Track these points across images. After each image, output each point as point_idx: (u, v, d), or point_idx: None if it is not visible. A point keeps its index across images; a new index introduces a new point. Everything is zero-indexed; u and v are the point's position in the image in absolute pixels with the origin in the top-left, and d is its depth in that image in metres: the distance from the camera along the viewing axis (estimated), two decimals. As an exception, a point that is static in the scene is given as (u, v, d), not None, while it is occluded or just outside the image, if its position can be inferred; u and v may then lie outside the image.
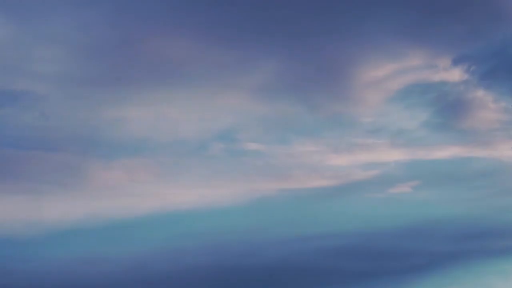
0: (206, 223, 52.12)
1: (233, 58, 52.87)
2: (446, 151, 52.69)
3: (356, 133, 52.87)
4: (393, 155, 52.90)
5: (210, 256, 50.86)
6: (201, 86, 52.78)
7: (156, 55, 53.02)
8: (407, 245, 51.02)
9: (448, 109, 52.50)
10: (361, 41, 51.98)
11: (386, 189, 52.81)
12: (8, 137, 52.64)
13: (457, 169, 52.86)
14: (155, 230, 52.04)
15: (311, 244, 50.96)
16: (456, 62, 52.60)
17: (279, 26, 52.19)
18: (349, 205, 52.62)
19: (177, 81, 53.19)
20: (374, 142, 52.95)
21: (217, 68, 52.61)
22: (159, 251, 50.77)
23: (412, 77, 52.74)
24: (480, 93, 52.55)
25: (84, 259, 50.58)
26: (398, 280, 49.53)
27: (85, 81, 52.85)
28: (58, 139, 52.77)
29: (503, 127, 51.81)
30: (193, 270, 50.10)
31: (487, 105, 52.28)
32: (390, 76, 52.50)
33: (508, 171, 51.91)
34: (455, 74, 52.64)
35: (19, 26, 52.34)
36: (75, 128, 53.02)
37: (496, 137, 51.96)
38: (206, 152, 53.53)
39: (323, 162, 53.03)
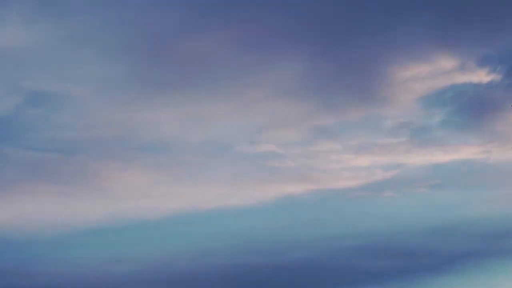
0: (232, 223, 53.15)
1: (259, 58, 53.31)
2: (468, 151, 53.28)
3: (380, 134, 53.67)
4: (415, 156, 53.73)
5: (236, 255, 51.73)
6: (228, 86, 53.47)
7: (183, 57, 53.64)
8: (428, 244, 51.63)
9: (471, 110, 52.85)
10: (387, 42, 52.26)
11: (407, 189, 53.87)
12: (38, 139, 54.05)
13: (477, 169, 53.42)
14: (181, 230, 52.98)
15: (335, 243, 51.71)
16: (482, 63, 52.74)
17: (305, 27, 52.47)
18: (371, 205, 53.60)
19: (204, 82, 53.91)
20: (397, 143, 53.59)
21: (244, 69, 53.09)
22: (185, 251, 51.61)
23: (438, 79, 53.02)
24: (505, 93, 52.90)
25: (109, 259, 51.44)
26: (419, 279, 50.17)
27: (113, 82, 53.85)
28: (85, 140, 53.87)
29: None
30: (219, 269, 51.06)
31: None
32: (416, 77, 52.91)
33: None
34: (481, 75, 52.81)
35: (51, 27, 53.18)
36: (103, 129, 53.99)
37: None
38: (232, 153, 54.34)
39: (346, 163, 53.76)
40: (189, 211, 53.28)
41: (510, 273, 49.15)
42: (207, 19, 52.77)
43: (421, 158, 53.23)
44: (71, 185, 53.18)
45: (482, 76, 52.73)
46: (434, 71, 52.60)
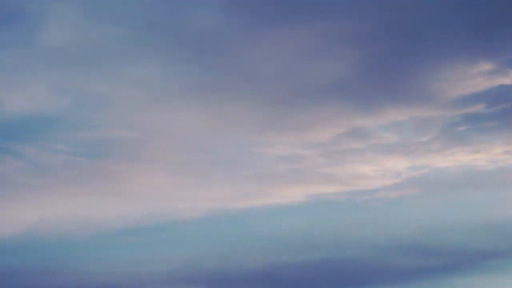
0: (262, 223, 53.41)
1: (298, 61, 53.68)
2: (497, 151, 53.05)
3: (411, 134, 53.66)
4: (446, 157, 53.47)
5: (269, 255, 52.09)
6: (259, 87, 53.79)
7: (217, 58, 53.98)
8: (457, 243, 51.62)
9: (505, 112, 52.55)
10: (424, 47, 52.31)
11: (437, 189, 53.76)
12: (77, 140, 54.45)
13: (507, 169, 53.13)
14: (211, 231, 53.25)
15: (367, 242, 52.05)
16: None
17: (344, 29, 52.74)
18: (401, 205, 53.57)
19: (232, 83, 54.13)
20: (427, 144, 53.46)
21: (283, 72, 53.40)
22: (216, 251, 51.95)
23: (473, 81, 52.84)
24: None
25: (141, 259, 51.76)
26: (446, 278, 50.34)
27: (151, 83, 54.23)
28: (110, 141, 54.42)
29: None
30: (252, 269, 51.43)
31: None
32: (450, 79, 52.91)
33: None
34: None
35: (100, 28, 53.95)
36: (140, 130, 54.44)
37: None
38: (261, 153, 54.32)
39: (376, 164, 53.80)
40: (219, 211, 53.81)
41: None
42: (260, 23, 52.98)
43: (451, 158, 53.25)
44: (104, 186, 53.95)
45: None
46: (469, 73, 52.71)
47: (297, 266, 51.67)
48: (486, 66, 52.52)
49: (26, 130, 53.80)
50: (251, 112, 53.84)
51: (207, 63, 53.47)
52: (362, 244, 51.90)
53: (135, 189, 53.94)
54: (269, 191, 53.75)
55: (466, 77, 52.39)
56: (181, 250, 52.38)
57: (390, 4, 52.15)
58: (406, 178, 53.59)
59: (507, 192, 52.05)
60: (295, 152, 53.79)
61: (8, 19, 53.12)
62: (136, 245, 52.88)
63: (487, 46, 52.03)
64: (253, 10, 52.60)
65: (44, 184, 53.36)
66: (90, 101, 54.23)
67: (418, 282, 50.31)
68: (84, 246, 52.47)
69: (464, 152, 53.10)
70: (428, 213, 53.11)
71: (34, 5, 53.35)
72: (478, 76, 52.43)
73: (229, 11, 52.72)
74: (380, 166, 53.52)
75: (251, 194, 53.78)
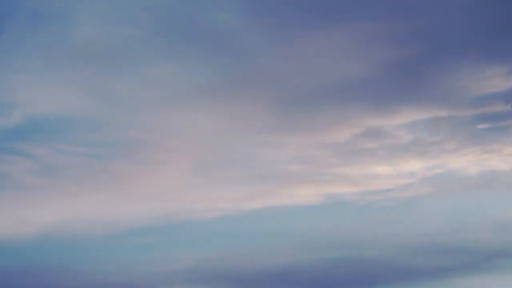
0: (278, 223, 53.47)
1: (314, 62, 53.65)
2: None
3: (426, 135, 53.71)
4: (463, 157, 53.56)
5: (281, 255, 52.35)
6: (278, 88, 53.86)
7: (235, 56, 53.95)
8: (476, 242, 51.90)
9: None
10: (441, 47, 52.39)
11: (453, 189, 53.98)
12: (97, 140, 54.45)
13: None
14: (227, 230, 53.36)
15: (385, 242, 52.22)
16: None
17: (362, 33, 52.91)
18: (418, 205, 53.85)
19: (249, 82, 54.16)
20: (445, 144, 53.53)
21: (298, 72, 53.40)
22: (232, 251, 52.14)
23: (491, 82, 52.86)
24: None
25: (151, 260, 52.01)
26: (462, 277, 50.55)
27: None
28: (123, 142, 54.51)
29: None
30: (270, 268, 51.70)
31: None
32: (469, 80, 52.94)
33: None
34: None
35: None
36: (139, 131, 54.59)
37: None
38: (276, 153, 54.40)
39: (392, 164, 53.95)
40: (233, 211, 53.89)
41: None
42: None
43: (466, 158, 53.32)
44: (117, 187, 54.13)
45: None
46: (485, 73, 52.71)
47: (312, 265, 51.93)
48: (503, 67, 52.70)
49: (42, 130, 54.13)
50: (266, 112, 54.01)
51: (223, 63, 53.66)
52: (377, 244, 52.10)
53: (148, 190, 54.12)
54: (284, 191, 53.93)
55: (482, 78, 52.55)
56: (194, 250, 52.54)
57: (406, 7, 52.37)
58: (421, 178, 53.80)
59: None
60: (310, 152, 54.01)
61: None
62: (149, 245, 53.09)
63: (504, 47, 52.26)
64: (269, 10, 52.73)
65: (57, 185, 53.56)
66: (105, 102, 54.48)
67: (433, 281, 50.59)
68: (97, 247, 52.74)
69: (478, 152, 53.26)
70: (443, 213, 53.35)
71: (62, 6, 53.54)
72: (494, 77, 52.58)
73: (246, 11, 52.88)
74: (395, 166, 53.68)
75: (265, 194, 54.03)
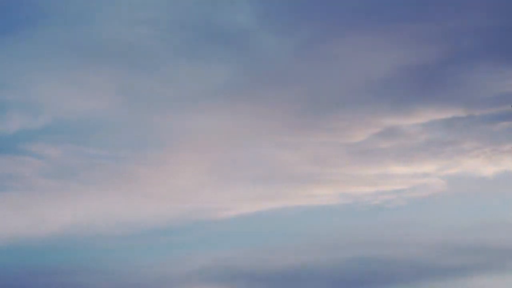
0: (297, 222, 53.75)
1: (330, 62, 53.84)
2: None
3: (445, 135, 53.88)
4: (481, 157, 53.80)
5: (298, 254, 52.56)
6: (301, 90, 53.95)
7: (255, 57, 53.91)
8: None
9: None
10: (459, 48, 52.70)
11: (472, 190, 54.33)
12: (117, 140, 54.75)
13: None
14: (243, 231, 53.70)
15: (409, 241, 52.44)
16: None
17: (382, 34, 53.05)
18: (436, 205, 54.20)
19: (273, 83, 54.29)
20: (463, 144, 53.73)
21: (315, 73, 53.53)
22: (252, 251, 52.46)
23: (508, 85, 53.16)
24: None
25: (170, 259, 52.26)
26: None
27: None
28: (141, 142, 54.76)
29: None
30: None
31: None
32: (486, 83, 53.08)
33: None
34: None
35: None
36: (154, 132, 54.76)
37: None
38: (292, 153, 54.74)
39: (411, 165, 54.32)
40: (251, 211, 54.00)
41: None
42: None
43: (482, 158, 53.54)
44: (137, 186, 54.13)
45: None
46: (504, 74, 52.85)
47: (328, 265, 51.92)
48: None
49: (64, 132, 54.40)
50: (283, 113, 54.01)
51: (241, 64, 53.82)
52: (393, 243, 52.22)
53: (165, 190, 54.22)
54: (300, 191, 54.06)
55: (498, 78, 52.74)
56: (212, 250, 52.79)
57: (425, 10, 52.60)
58: (436, 178, 54.04)
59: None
60: (327, 152, 54.16)
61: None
62: (167, 246, 53.39)
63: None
64: (287, 11, 52.91)
65: (75, 185, 53.63)
66: (123, 103, 54.63)
67: (448, 280, 50.76)
68: (114, 247, 52.87)
69: (495, 151, 53.45)
70: (458, 212, 53.64)
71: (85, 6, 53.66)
72: (511, 77, 52.88)
73: (263, 12, 53.06)
74: (411, 166, 53.88)
75: (282, 194, 54.09)
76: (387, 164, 53.89)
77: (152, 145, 54.40)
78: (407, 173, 54.01)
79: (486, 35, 52.25)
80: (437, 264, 51.56)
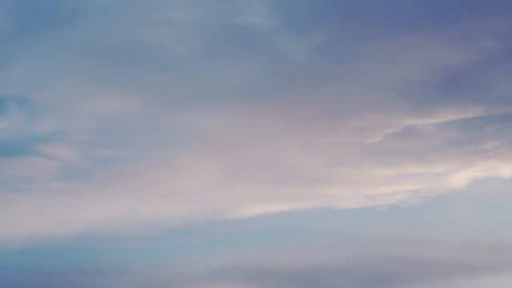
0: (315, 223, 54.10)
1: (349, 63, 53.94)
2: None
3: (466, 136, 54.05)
4: (499, 159, 53.98)
5: (317, 254, 52.79)
6: (319, 91, 53.81)
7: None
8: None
9: None
10: (479, 48, 52.73)
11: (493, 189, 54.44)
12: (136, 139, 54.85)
13: None
14: (267, 230, 53.99)
15: (431, 240, 52.79)
16: None
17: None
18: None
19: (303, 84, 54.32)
20: (486, 143, 53.76)
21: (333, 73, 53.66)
22: (272, 250, 52.64)
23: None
24: None
25: (189, 259, 52.44)
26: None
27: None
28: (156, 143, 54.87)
29: None
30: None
31: None
32: (506, 83, 52.77)
33: None
34: None
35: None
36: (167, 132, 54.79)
37: None
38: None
39: (430, 165, 54.25)
40: (267, 211, 54.28)
41: None
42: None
43: (502, 159, 53.73)
44: (154, 185, 54.29)
45: None
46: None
47: (346, 264, 52.24)
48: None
49: (79, 133, 54.25)
50: (300, 114, 54.12)
51: (259, 65, 53.89)
52: (414, 242, 52.49)
53: (183, 190, 54.42)
54: (318, 191, 54.22)
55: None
56: (231, 250, 53.01)
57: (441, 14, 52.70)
58: (455, 177, 54.18)
59: None
60: (347, 152, 54.28)
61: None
62: (186, 246, 53.63)
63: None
64: (305, 11, 52.95)
65: (93, 187, 53.75)
66: (137, 104, 54.66)
67: (468, 278, 51.10)
68: (134, 247, 53.08)
69: (512, 151, 53.71)
70: (477, 212, 53.86)
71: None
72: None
73: (279, 14, 53.23)
74: (430, 166, 54.03)
75: (299, 194, 54.29)
76: (405, 164, 54.05)
77: (168, 145, 54.61)
78: (425, 172, 54.23)
79: (506, 36, 52.39)
80: (456, 263, 51.90)
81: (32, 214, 52.72)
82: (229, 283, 51.57)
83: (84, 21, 53.39)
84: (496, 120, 53.17)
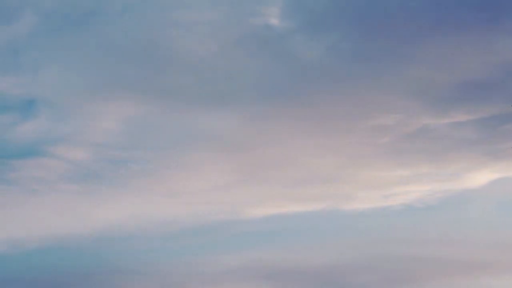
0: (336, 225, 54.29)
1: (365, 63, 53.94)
2: None
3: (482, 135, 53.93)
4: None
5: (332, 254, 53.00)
6: (337, 91, 53.90)
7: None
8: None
9: None
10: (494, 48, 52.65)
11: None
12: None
13: None
14: (279, 230, 54.20)
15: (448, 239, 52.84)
16: None
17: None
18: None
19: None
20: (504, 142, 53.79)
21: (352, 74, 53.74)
22: (287, 250, 52.84)
23: None
24: None
25: (206, 258, 52.72)
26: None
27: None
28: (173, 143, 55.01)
29: None
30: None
31: None
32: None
33: None
34: None
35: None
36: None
37: None
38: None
39: (447, 164, 54.46)
40: (282, 212, 54.44)
41: None
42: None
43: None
44: (169, 187, 54.58)
45: None
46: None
47: (361, 264, 52.32)
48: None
49: (91, 134, 54.58)
50: (316, 114, 54.06)
51: (274, 66, 54.03)
52: (431, 241, 52.70)
53: (198, 191, 54.53)
54: (335, 192, 54.31)
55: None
56: (246, 250, 53.29)
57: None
58: (472, 177, 54.18)
59: None
60: (362, 153, 54.34)
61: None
62: (201, 246, 53.88)
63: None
64: (320, 12, 53.01)
65: (105, 188, 54.08)
66: (152, 105, 54.86)
67: (485, 275, 51.17)
68: (150, 247, 53.32)
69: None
70: (494, 210, 53.90)
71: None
72: None
73: (293, 15, 53.32)
74: (446, 165, 54.08)
75: (314, 194, 54.39)
76: (420, 163, 54.05)
77: (182, 146, 54.76)
78: (440, 172, 54.27)
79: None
80: (471, 262, 51.93)
81: (49, 214, 53.16)
82: (243, 283, 51.75)
83: (100, 24, 53.72)
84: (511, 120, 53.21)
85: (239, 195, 54.00)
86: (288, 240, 53.39)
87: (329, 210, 54.08)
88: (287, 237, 53.53)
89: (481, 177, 54.03)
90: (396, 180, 54.19)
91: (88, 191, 53.75)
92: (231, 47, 53.63)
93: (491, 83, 52.28)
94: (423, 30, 52.14)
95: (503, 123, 52.69)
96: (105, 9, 53.41)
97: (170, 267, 51.95)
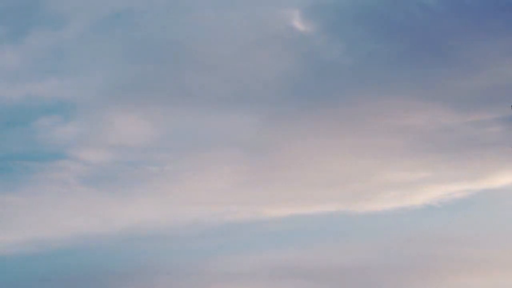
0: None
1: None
2: None
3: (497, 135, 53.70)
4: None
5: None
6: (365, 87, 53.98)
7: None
8: None
9: None
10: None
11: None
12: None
13: None
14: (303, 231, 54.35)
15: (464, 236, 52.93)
16: None
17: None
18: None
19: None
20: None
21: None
22: (307, 251, 52.94)
23: None
24: None
25: (228, 258, 52.86)
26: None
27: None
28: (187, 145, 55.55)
29: None
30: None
31: None
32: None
33: None
34: None
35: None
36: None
37: None
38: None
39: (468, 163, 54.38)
40: (299, 213, 54.64)
41: None
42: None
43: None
44: (186, 189, 54.91)
45: None
46: None
47: (382, 263, 52.28)
48: None
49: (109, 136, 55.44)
50: (338, 115, 54.25)
51: (290, 69, 54.34)
52: (460, 241, 52.95)
53: (217, 192, 54.84)
54: (356, 192, 54.44)
55: None
56: (268, 250, 53.46)
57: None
58: (496, 177, 54.08)
59: None
60: (382, 153, 54.45)
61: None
62: (222, 246, 54.14)
63: None
64: (335, 13, 53.31)
65: (124, 189, 54.74)
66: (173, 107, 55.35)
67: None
68: (172, 248, 53.71)
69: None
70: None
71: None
72: None
73: (313, 15, 53.58)
74: (468, 164, 54.02)
75: (333, 196, 54.58)
76: (442, 163, 53.98)
77: (202, 145, 55.25)
78: (462, 172, 54.11)
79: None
80: (492, 260, 51.68)
81: (76, 215, 53.80)
82: (267, 282, 51.85)
83: (125, 26, 54.42)
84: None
85: (259, 196, 54.31)
86: (309, 240, 53.62)
87: (350, 210, 54.24)
88: (308, 237, 53.77)
89: (503, 177, 53.84)
90: (417, 180, 54.21)
91: (112, 192, 54.37)
92: (253, 48, 54.06)
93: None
94: (446, 32, 52.16)
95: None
96: (129, 11, 54.14)
97: (191, 267, 52.45)
